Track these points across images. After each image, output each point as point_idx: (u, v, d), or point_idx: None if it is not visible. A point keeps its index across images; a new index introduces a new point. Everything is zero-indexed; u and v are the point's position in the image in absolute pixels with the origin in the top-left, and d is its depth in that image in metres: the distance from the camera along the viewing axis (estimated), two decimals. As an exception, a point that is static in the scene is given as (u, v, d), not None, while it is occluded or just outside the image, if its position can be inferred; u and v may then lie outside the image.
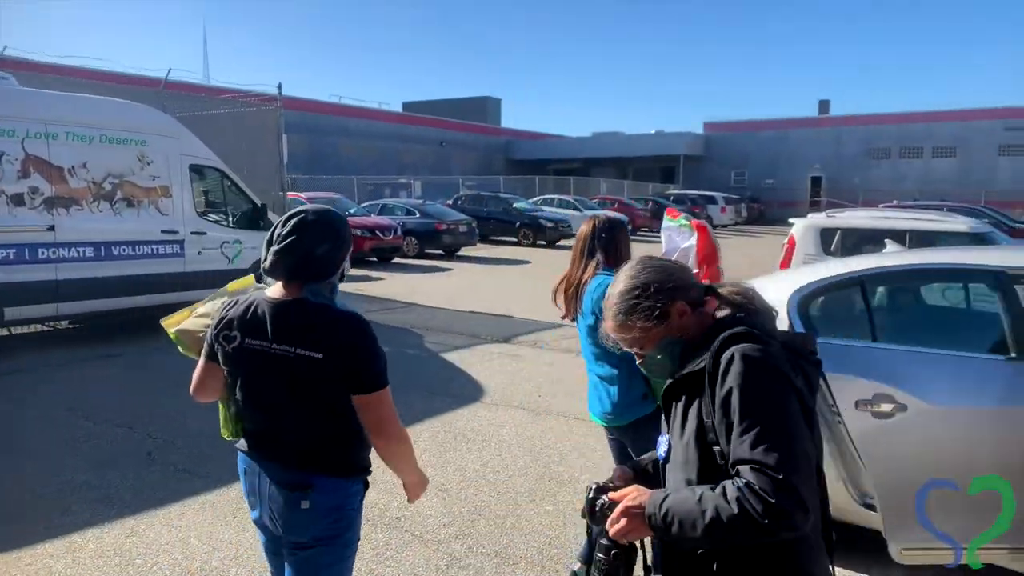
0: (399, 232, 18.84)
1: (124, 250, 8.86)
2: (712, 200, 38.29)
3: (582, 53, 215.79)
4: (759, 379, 1.49)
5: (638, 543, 1.68)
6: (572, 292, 3.26)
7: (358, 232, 17.80)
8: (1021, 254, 3.61)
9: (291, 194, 18.77)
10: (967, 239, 8.85)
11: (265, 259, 2.07)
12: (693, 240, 5.26)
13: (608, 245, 3.20)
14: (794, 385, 1.52)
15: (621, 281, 1.73)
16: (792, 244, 9.79)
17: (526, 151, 52.40)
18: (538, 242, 24.72)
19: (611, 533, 1.57)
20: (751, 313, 1.66)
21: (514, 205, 26.19)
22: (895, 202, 25.49)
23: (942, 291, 3.78)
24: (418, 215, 20.65)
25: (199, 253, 9.63)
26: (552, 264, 19.80)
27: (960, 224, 9.31)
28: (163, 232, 9.23)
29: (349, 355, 2.02)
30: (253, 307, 2.11)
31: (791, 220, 10.33)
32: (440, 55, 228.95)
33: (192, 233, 9.59)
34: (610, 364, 3.13)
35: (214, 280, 9.90)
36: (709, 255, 5.21)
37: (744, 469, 1.43)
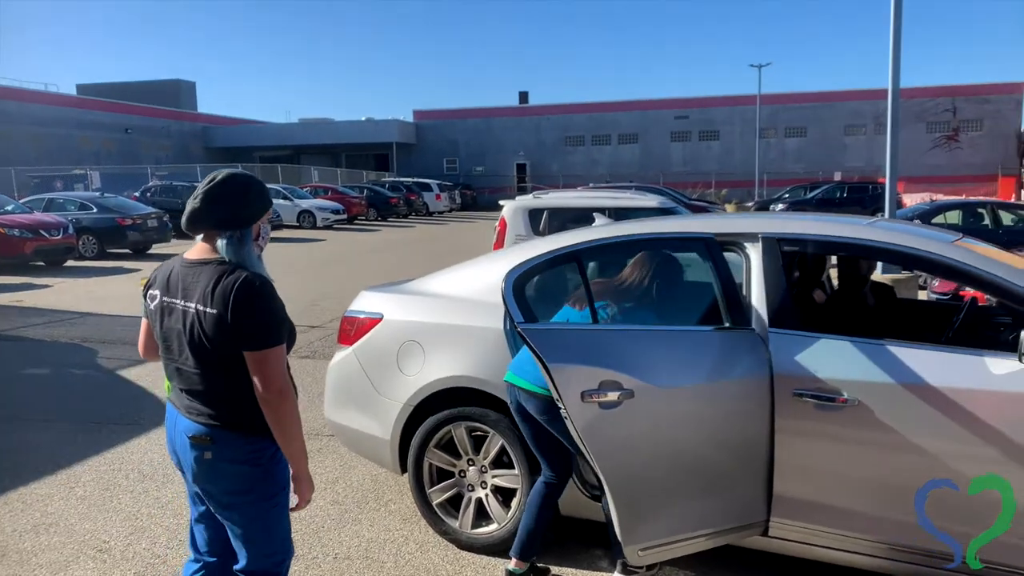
0: (71, 231, 16.15)
1: None
2: (427, 187, 38.59)
3: (282, 35, 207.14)
4: None
5: None
6: None
7: (16, 233, 14.98)
8: (726, 220, 3.56)
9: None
10: (658, 214, 9.49)
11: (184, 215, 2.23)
12: None
13: None
14: None
15: None
16: (503, 226, 9.83)
17: (227, 138, 48.79)
18: (245, 235, 22.86)
19: None
20: None
21: (215, 196, 23.94)
22: (591, 184, 27.57)
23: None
24: (95, 209, 17.88)
25: None
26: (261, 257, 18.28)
27: (651, 201, 9.98)
28: None
29: (240, 312, 2.11)
30: (172, 268, 2.29)
31: (501, 203, 10.38)
32: (118, 32, 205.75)
33: None
34: None
35: None
36: None
37: None
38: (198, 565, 2.45)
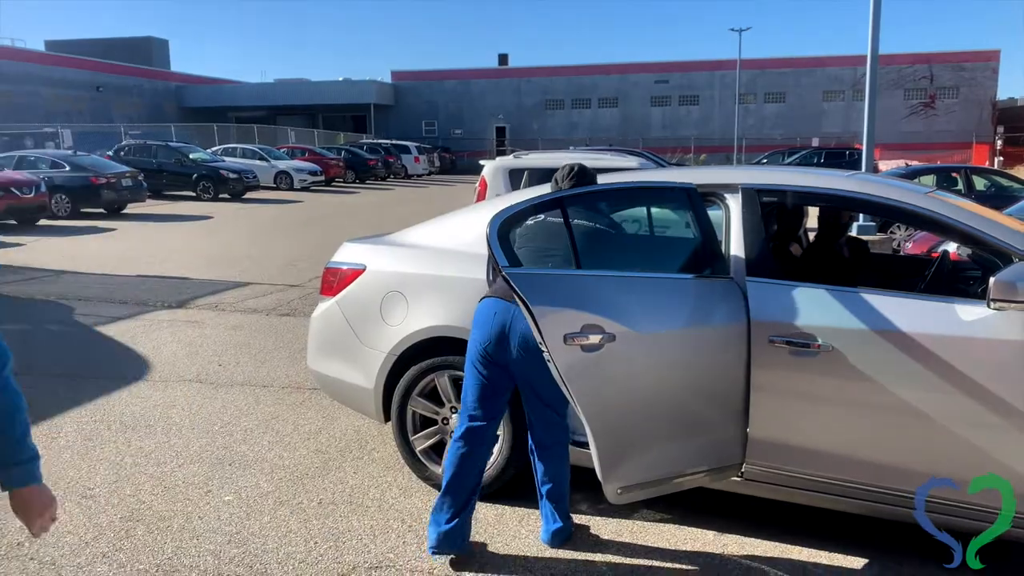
0: (43, 189, 15.86)
1: None
2: (406, 150, 38.21)
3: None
4: None
5: None
6: None
7: (-14, 190, 14.69)
8: (707, 172, 3.60)
9: None
10: (638, 175, 9.51)
11: None
12: None
13: None
14: None
15: None
16: (484, 185, 9.81)
17: (202, 98, 47.88)
18: (220, 196, 22.63)
19: None
20: None
21: (191, 155, 23.61)
22: (571, 148, 27.49)
23: (641, 211, 3.66)
24: (68, 168, 17.55)
25: None
26: (238, 218, 18.12)
27: (632, 162, 9.98)
28: None
29: None
30: None
31: (481, 162, 10.36)
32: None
33: None
34: None
35: None
36: None
37: None
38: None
